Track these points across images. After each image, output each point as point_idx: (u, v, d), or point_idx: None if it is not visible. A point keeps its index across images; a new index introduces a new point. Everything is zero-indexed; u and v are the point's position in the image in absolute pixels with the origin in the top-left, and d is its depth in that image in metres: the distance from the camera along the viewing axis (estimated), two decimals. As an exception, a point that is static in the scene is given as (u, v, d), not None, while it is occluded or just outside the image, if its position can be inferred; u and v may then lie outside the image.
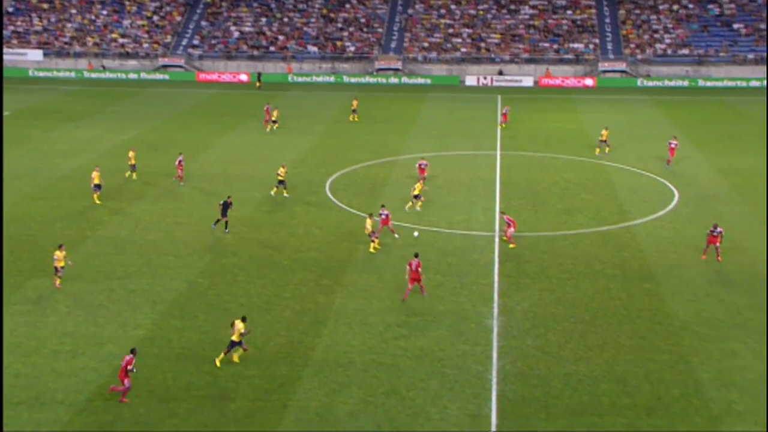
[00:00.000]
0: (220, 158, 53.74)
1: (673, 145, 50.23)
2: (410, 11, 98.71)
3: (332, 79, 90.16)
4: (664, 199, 43.86)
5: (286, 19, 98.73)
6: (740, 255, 35.49)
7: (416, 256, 31.79)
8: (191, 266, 34.52)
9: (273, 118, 63.46)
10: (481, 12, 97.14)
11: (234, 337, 26.11)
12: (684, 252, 35.96)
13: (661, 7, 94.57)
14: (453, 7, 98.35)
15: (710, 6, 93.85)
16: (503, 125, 63.41)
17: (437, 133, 62.00)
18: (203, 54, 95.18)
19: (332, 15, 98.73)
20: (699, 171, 49.56)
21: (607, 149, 54.74)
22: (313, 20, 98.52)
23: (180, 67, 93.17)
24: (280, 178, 44.82)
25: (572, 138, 59.93)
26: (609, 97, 79.01)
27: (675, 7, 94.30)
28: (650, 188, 46.12)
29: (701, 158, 52.92)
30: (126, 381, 23.85)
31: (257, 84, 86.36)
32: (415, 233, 38.03)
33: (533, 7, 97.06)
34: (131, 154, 48.49)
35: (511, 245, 36.83)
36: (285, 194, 44.76)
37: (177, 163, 47.25)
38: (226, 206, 38.60)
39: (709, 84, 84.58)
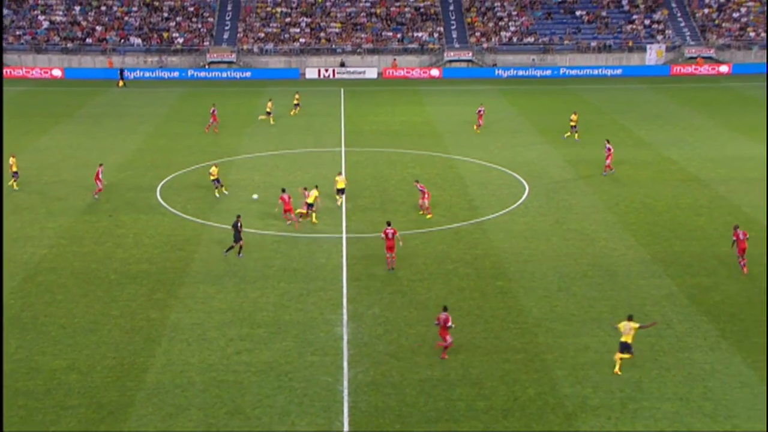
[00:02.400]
0: (33, 164, 51.29)
1: (609, 150, 49.05)
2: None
3: (161, 74, 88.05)
4: (514, 192, 45.55)
5: (103, 8, 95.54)
6: (590, 246, 37.36)
7: (389, 224, 34.71)
8: (2, 287, 32.75)
9: (267, 110, 64.10)
10: (320, 0, 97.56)
11: (626, 339, 26.38)
12: (536, 246, 37.45)
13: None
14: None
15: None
16: (478, 129, 60.99)
17: (277, 131, 61.73)
18: (6, 47, 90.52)
19: (156, 3, 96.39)
20: (548, 162, 51.79)
21: (576, 135, 57.48)
22: (135, 9, 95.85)
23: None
24: (212, 177, 44.71)
25: (420, 132, 61.19)
26: (456, 88, 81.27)
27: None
28: (500, 182, 47.76)
29: (550, 149, 55.33)
30: (448, 337, 27.11)
31: (120, 83, 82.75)
32: (255, 196, 43.16)
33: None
34: (12, 160, 46.15)
35: (428, 216, 41.02)
36: (225, 191, 45.01)
37: (96, 174, 44.65)
38: (236, 228, 35.98)
39: (555, 73, 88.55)
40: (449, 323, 27.15)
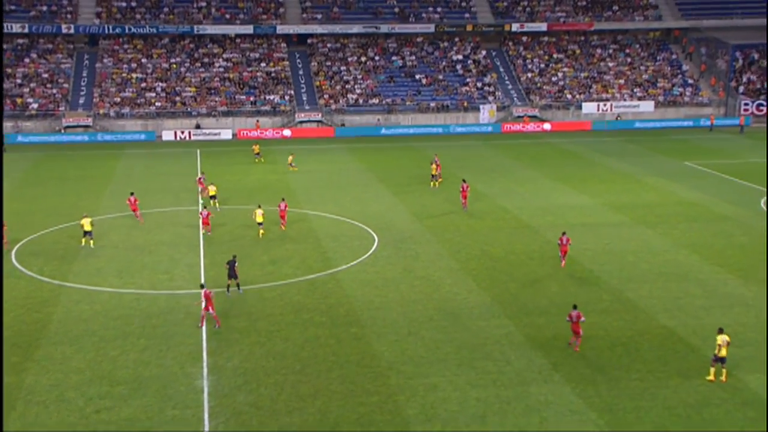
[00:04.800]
0: None
1: (464, 188, 53.62)
2: (98, 65, 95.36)
3: (17, 138, 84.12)
4: (365, 244, 45.98)
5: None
6: (436, 292, 38.07)
7: (203, 286, 35.47)
8: None
9: (290, 162, 67.97)
10: (174, 65, 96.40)
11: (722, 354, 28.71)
12: (386, 294, 37.82)
13: (350, 59, 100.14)
14: (144, 60, 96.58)
15: (394, 58, 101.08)
16: (436, 182, 61.12)
17: (135, 191, 60.00)
18: None
19: (9, 70, 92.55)
20: (395, 215, 52.62)
21: (436, 183, 60.86)
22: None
23: None
24: (86, 228, 44.85)
25: (274, 189, 60.94)
26: (308, 147, 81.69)
27: (363, 59, 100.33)
28: (351, 234, 48.13)
29: (396, 202, 56.29)
30: (580, 331, 30.71)
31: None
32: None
33: (227, 60, 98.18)
34: None
35: (283, 228, 48.18)
36: (91, 245, 44.94)
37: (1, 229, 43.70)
38: (232, 265, 36.74)
39: (398, 131, 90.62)
40: (582, 318, 30.67)
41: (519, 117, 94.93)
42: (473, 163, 71.95)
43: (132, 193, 52.21)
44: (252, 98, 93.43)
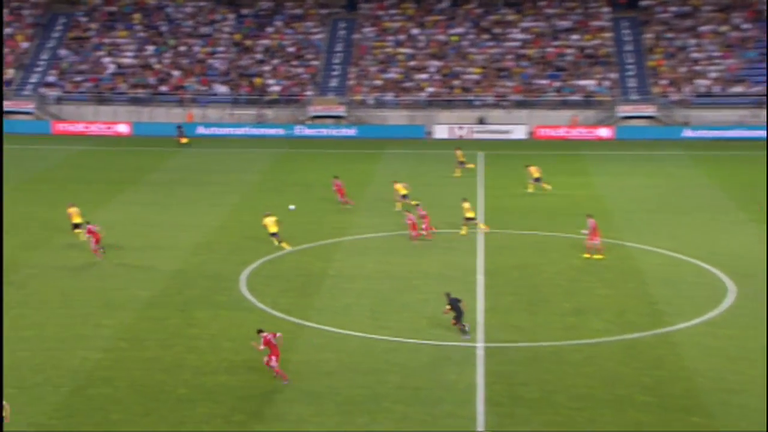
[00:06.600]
0: (88, 244, 53.10)
1: None
2: (356, 36, 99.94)
3: (251, 131, 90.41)
4: (714, 295, 44.49)
5: (182, 48, 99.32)
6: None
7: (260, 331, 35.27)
8: (41, 401, 33.35)
9: (538, 175, 66.75)
10: (455, 38, 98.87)
11: None
12: (747, 371, 36.17)
13: (702, 29, 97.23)
14: (415, 31, 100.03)
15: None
16: None
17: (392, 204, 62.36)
18: (63, 95, 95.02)
19: (248, 42, 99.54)
20: (760, 254, 50.46)
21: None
22: (221, 49, 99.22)
23: (28, 113, 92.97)
24: (271, 230, 51.35)
25: (584, 210, 60.57)
26: (633, 153, 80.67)
27: (723, 28, 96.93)
28: (694, 279, 46.85)
29: (762, 236, 53.96)
30: None
31: (182, 140, 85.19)
32: (291, 207, 57.17)
33: (525, 30, 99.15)
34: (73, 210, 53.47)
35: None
36: (285, 246, 51.33)
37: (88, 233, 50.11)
38: (455, 303, 39.34)
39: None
40: None
41: None
42: None
43: (337, 177, 62.12)
44: (557, 83, 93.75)
